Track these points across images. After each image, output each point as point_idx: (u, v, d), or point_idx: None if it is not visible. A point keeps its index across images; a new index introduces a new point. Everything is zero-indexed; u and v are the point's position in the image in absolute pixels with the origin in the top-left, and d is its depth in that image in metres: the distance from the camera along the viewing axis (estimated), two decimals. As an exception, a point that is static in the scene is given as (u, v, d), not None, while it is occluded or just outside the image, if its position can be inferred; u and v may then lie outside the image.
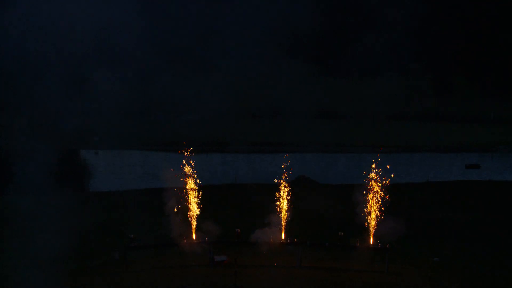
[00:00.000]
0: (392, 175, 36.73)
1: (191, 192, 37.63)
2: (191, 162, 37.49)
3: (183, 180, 37.58)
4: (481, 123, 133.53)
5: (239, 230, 37.58)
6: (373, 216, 37.04)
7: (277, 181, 37.98)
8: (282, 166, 37.88)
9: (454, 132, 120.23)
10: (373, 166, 36.90)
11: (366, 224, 37.20)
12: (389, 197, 37.08)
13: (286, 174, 37.95)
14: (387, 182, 36.93)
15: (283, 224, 37.88)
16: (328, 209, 38.95)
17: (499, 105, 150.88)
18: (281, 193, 37.82)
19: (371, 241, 37.13)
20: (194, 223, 37.63)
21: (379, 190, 36.91)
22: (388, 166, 36.90)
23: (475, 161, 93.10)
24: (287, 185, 37.93)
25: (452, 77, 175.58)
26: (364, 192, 37.15)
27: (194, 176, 37.69)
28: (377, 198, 36.96)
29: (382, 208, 37.05)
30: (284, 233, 37.93)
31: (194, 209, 37.67)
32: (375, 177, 36.89)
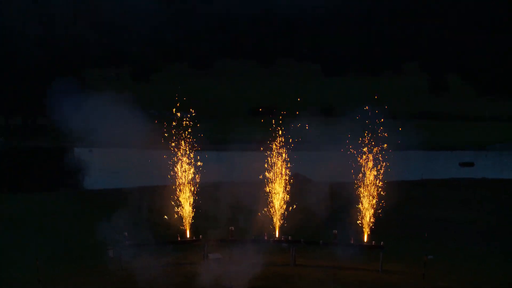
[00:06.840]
0: (389, 169, 36.72)
1: (186, 190, 37.59)
2: (186, 159, 37.45)
3: (178, 178, 37.53)
4: (475, 121, 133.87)
5: (233, 228, 37.63)
6: (367, 214, 37.07)
7: (272, 179, 37.94)
8: (277, 163, 37.85)
9: (448, 130, 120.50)
10: (368, 163, 36.93)
11: (360, 222, 37.25)
12: (383, 195, 37.12)
13: (281, 171, 37.94)
14: (381, 180, 36.97)
15: (277, 222, 37.90)
16: (322, 207, 38.99)
17: (494, 103, 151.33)
18: (275, 191, 37.82)
19: (365, 239, 37.19)
20: (188, 221, 37.62)
21: (373, 188, 36.94)
22: (383, 164, 36.92)
23: (469, 159, 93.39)
24: (281, 182, 37.92)
25: (446, 75, 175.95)
26: (359, 190, 37.18)
27: (189, 174, 37.64)
28: (371, 196, 36.98)
29: (376, 206, 37.08)
30: (278, 231, 37.96)
31: (189, 207, 37.65)
32: (370, 175, 36.92)
